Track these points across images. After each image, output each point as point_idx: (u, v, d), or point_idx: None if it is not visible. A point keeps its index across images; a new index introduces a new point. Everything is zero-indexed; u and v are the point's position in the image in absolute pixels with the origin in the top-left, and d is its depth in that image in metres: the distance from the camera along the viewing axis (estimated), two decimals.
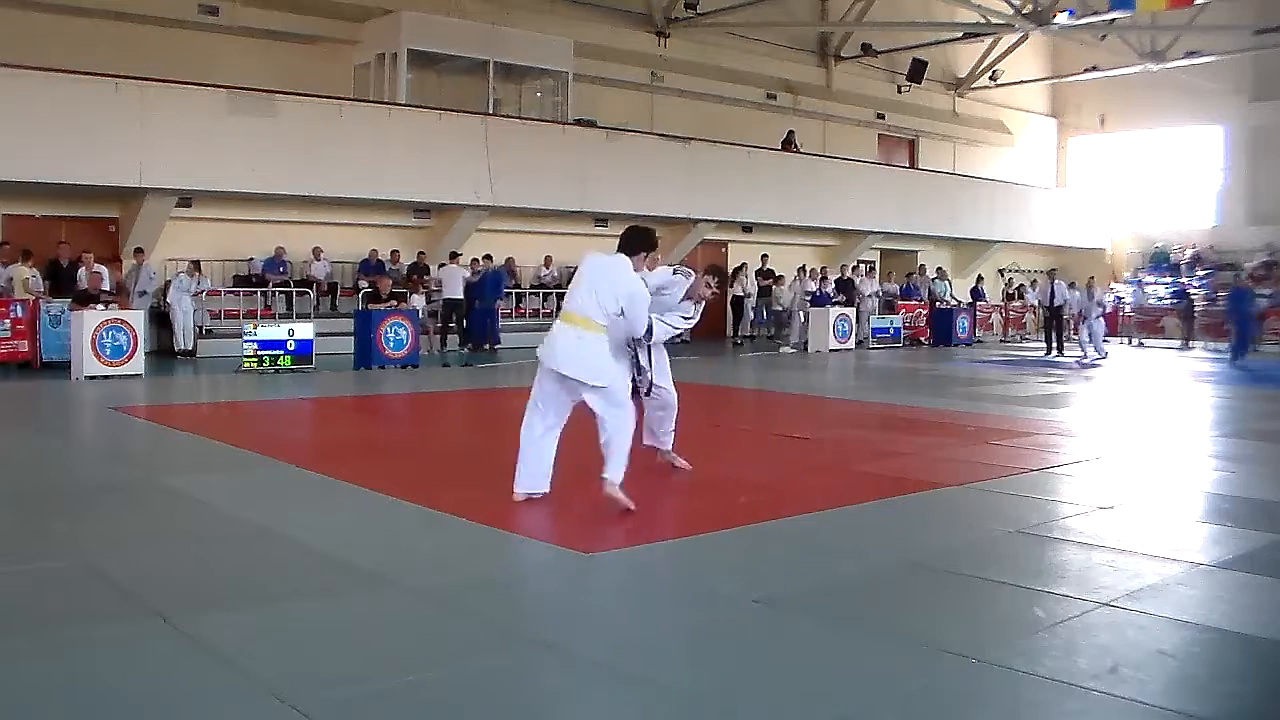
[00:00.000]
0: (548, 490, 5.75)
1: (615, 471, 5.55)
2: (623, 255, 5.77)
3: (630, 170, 20.09)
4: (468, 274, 17.95)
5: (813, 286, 21.14)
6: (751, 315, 22.83)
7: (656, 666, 3.52)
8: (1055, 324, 20.54)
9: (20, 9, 16.00)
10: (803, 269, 21.94)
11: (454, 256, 18.14)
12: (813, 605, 4.19)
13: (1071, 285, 20.39)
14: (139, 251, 15.66)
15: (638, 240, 5.90)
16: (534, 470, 5.74)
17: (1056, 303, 20.40)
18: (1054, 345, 20.36)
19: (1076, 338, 20.15)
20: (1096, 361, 18.20)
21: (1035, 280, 29.13)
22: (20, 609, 4.03)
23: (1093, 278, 20.89)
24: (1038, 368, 17.14)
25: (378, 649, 3.63)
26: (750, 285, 22.72)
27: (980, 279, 26.27)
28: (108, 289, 14.01)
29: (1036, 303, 24.12)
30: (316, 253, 18.01)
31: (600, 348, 5.60)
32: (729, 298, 22.63)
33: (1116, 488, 6.72)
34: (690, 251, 22.48)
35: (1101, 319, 19.55)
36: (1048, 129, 33.10)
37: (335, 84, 18.53)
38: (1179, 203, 30.43)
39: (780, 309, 22.37)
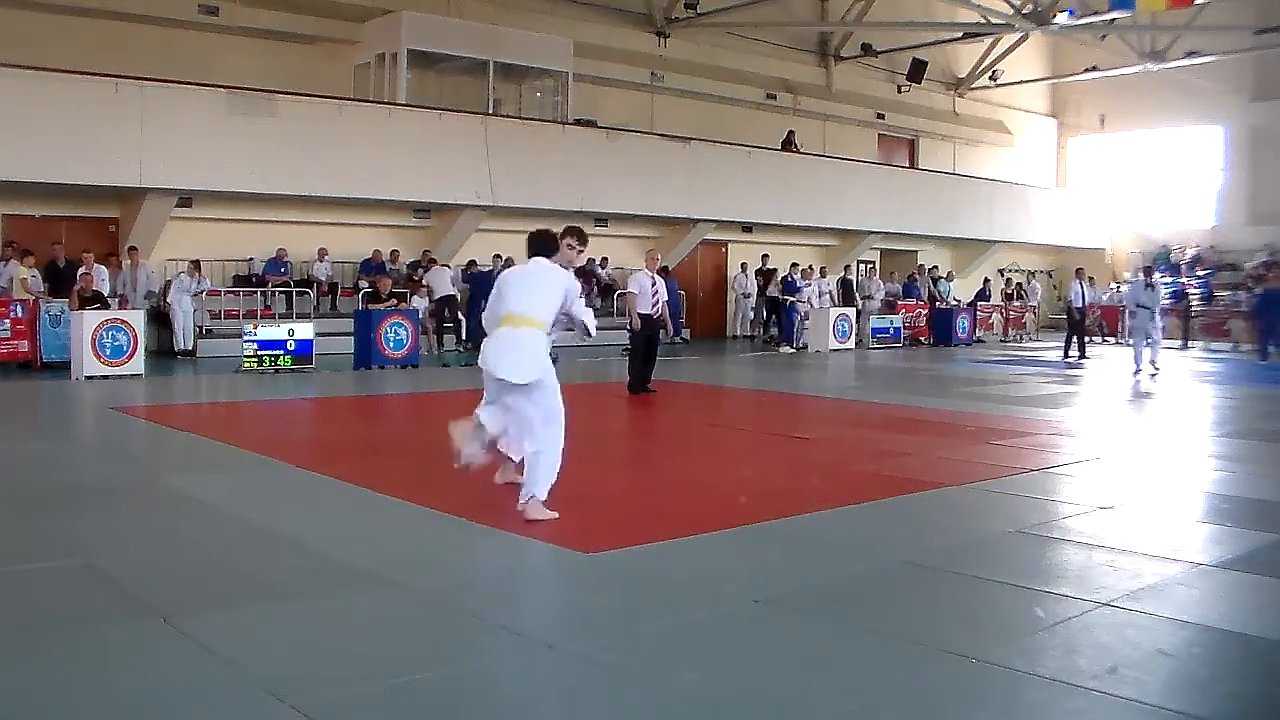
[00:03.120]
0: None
1: (543, 487, 5.31)
2: (545, 260, 5.68)
3: (630, 170, 20.06)
4: (453, 273, 17.92)
5: (803, 284, 21.07)
6: (752, 314, 22.80)
7: (656, 666, 3.52)
8: (1080, 326, 19.29)
9: (20, 9, 16.00)
10: (796, 268, 21.88)
11: (431, 260, 18.12)
12: (813, 605, 4.20)
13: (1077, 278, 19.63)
14: (133, 250, 15.65)
15: (551, 244, 5.80)
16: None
17: (1087, 302, 19.43)
18: (1073, 348, 19.09)
19: (1129, 341, 18.15)
20: (1154, 372, 15.77)
21: (1032, 279, 29.10)
22: (21, 609, 4.03)
23: (1150, 266, 19.16)
24: (1066, 370, 16.78)
25: (378, 649, 3.63)
26: (753, 285, 22.68)
27: (987, 281, 26.22)
28: (104, 290, 13.98)
29: (1066, 302, 20.95)
30: (321, 253, 18.00)
31: (539, 344, 5.46)
32: (765, 299, 22.52)
33: (1116, 488, 6.73)
34: (690, 251, 22.51)
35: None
36: (1048, 129, 33.09)
37: (335, 84, 18.53)
38: (1179, 203, 30.43)
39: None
